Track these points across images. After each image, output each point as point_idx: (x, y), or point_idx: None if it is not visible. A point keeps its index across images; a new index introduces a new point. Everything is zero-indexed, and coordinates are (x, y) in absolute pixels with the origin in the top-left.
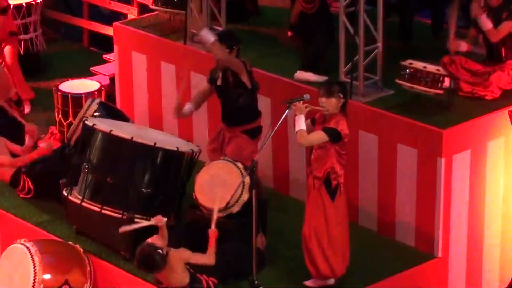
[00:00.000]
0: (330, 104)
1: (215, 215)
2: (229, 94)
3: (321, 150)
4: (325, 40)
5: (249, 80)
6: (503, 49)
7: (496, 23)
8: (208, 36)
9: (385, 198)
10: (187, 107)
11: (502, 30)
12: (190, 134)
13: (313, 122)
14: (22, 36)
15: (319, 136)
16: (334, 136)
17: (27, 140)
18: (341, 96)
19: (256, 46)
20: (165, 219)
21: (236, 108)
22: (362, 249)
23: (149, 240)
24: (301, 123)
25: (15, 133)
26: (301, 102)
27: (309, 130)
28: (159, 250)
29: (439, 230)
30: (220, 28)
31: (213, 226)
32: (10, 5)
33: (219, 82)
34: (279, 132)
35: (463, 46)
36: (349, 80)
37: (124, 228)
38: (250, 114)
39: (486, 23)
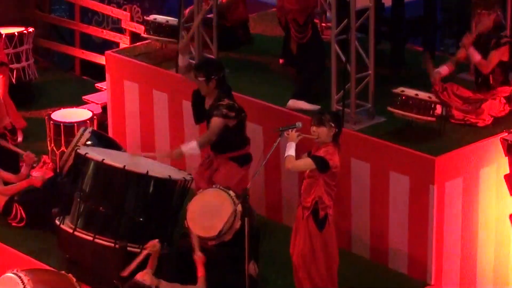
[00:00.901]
0: (321, 132)
1: (195, 240)
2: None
3: (310, 179)
4: (317, 69)
5: (228, 111)
6: (491, 77)
7: (486, 50)
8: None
9: (378, 225)
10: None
11: (492, 60)
12: (182, 162)
13: (309, 154)
14: (14, 65)
15: (306, 162)
16: (321, 164)
17: (23, 168)
18: (333, 125)
19: (248, 74)
20: (159, 244)
21: (222, 135)
22: (355, 276)
23: (138, 276)
24: (291, 150)
25: (8, 162)
26: (294, 130)
27: None
28: None
29: (431, 257)
30: (212, 57)
31: (197, 251)
32: (1, 34)
33: (206, 106)
34: (271, 160)
35: (444, 69)
36: (341, 109)
37: (125, 271)
38: (237, 141)
39: (475, 56)
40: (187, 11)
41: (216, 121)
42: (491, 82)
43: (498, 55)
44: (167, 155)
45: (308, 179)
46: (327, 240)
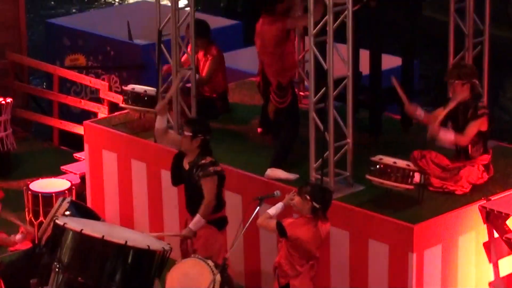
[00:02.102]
0: (296, 201)
1: None
2: (194, 182)
3: (279, 244)
4: (291, 135)
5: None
6: (470, 147)
7: (464, 118)
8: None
9: None
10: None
11: (470, 133)
12: (161, 232)
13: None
14: None
15: (271, 226)
16: (280, 229)
17: (17, 236)
18: (308, 198)
19: (227, 143)
20: None
21: (198, 197)
22: None
23: None
24: (275, 209)
25: None
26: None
27: None
28: None
29: None
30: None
31: None
32: None
33: (186, 166)
34: (250, 229)
35: (420, 111)
36: (320, 178)
37: None
38: (216, 203)
39: (447, 137)
40: (164, 68)
41: (208, 183)
42: (469, 152)
43: (477, 126)
44: (176, 235)
45: (278, 244)
46: None
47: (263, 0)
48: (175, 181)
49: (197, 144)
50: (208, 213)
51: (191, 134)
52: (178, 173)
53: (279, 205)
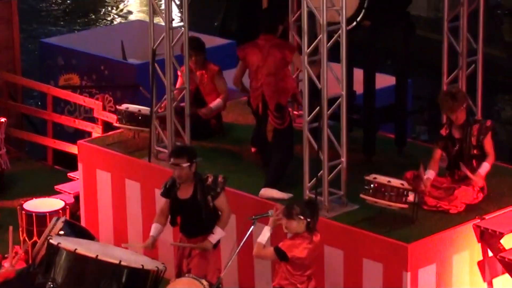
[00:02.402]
0: (289, 226)
1: None
2: (202, 205)
3: (277, 265)
4: (287, 156)
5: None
6: (475, 162)
7: (464, 138)
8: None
9: None
10: (154, 230)
11: (491, 149)
12: (155, 251)
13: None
14: None
15: (268, 253)
16: (281, 255)
17: (7, 262)
18: (302, 218)
19: (220, 163)
20: None
21: (201, 219)
22: None
23: None
24: (264, 235)
25: None
26: (280, 215)
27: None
28: None
29: None
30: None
31: None
32: None
33: (184, 195)
34: (244, 248)
35: (431, 174)
36: (314, 197)
37: None
38: (212, 221)
39: (484, 170)
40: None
41: (223, 197)
42: (475, 166)
43: (490, 139)
44: (195, 246)
45: (276, 265)
46: None
47: (264, 18)
48: (174, 222)
49: (194, 170)
50: (226, 225)
51: (188, 163)
52: (176, 215)
53: (267, 230)
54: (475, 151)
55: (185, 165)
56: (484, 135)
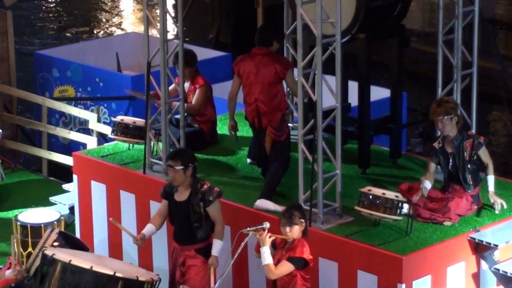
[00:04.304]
0: (294, 232)
1: None
2: (194, 211)
3: (288, 277)
4: (283, 168)
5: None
6: (470, 177)
7: (456, 152)
8: None
9: None
10: (147, 229)
11: (489, 161)
12: (150, 263)
13: (274, 246)
14: None
15: (287, 267)
16: (301, 264)
17: (9, 271)
18: (303, 221)
19: (215, 174)
20: None
21: (192, 226)
22: None
23: None
24: (267, 257)
25: None
26: (265, 232)
27: (271, 254)
28: None
29: None
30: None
31: None
32: None
33: (180, 198)
34: (239, 260)
35: (428, 184)
36: (308, 209)
37: None
38: (207, 230)
39: (492, 185)
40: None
41: (217, 205)
42: (469, 181)
43: (487, 152)
44: (210, 266)
45: (285, 277)
46: None
47: (259, 31)
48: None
49: (190, 174)
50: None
51: (182, 166)
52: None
53: (266, 249)
54: (468, 166)
55: (179, 168)
56: (476, 150)
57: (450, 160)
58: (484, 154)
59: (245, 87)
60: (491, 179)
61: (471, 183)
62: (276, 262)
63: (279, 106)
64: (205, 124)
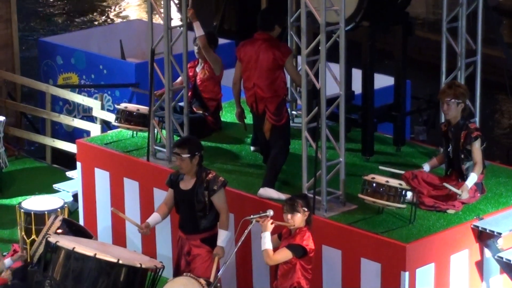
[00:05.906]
0: (296, 219)
1: None
2: (200, 199)
3: (287, 265)
4: (283, 154)
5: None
6: (463, 168)
7: (456, 139)
8: None
9: None
10: (152, 218)
11: (479, 159)
12: (153, 250)
13: (280, 237)
14: None
15: (284, 254)
16: (299, 252)
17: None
18: (306, 210)
19: (219, 162)
20: None
21: (196, 215)
22: None
23: None
24: (267, 242)
25: None
26: (268, 218)
27: (276, 245)
28: None
29: None
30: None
31: None
32: None
33: (186, 186)
34: (242, 247)
35: (426, 167)
36: (311, 196)
37: None
38: (213, 219)
39: (472, 186)
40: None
41: (222, 195)
42: (464, 172)
43: (478, 149)
44: (215, 256)
45: (284, 265)
46: None
47: (261, 15)
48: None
49: (196, 162)
50: (228, 224)
51: (189, 155)
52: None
53: (266, 234)
54: (462, 156)
55: (185, 156)
56: (469, 144)
57: (450, 146)
58: (474, 150)
59: (245, 72)
60: (472, 176)
61: (465, 173)
62: None
63: (277, 92)
64: (210, 101)
